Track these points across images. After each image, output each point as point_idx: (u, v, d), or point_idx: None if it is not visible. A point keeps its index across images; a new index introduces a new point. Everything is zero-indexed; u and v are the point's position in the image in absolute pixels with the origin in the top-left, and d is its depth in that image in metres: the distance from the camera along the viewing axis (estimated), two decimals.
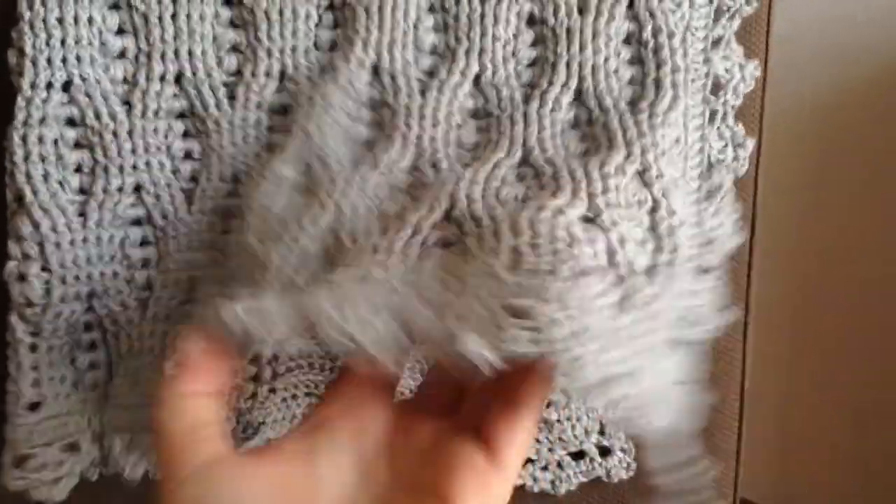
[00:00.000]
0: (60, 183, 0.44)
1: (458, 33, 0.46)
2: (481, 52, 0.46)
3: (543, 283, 0.35)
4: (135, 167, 0.45)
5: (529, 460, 0.52)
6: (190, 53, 0.45)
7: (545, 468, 0.51)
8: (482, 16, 0.46)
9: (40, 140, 0.44)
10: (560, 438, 0.51)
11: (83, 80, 0.44)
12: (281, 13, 0.45)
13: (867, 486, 1.01)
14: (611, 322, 0.35)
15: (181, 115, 0.46)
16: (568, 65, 0.45)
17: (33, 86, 0.44)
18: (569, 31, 0.45)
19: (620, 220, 0.39)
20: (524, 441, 0.37)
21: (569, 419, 0.51)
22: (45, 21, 0.43)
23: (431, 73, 0.46)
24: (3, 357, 0.45)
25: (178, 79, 0.45)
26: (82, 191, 0.45)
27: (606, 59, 0.45)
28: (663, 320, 0.39)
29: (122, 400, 0.47)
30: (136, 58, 0.45)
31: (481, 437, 0.36)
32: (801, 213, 0.93)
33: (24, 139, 0.44)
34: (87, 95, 0.44)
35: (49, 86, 0.44)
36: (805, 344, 0.99)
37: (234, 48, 0.46)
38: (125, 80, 0.45)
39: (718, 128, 0.48)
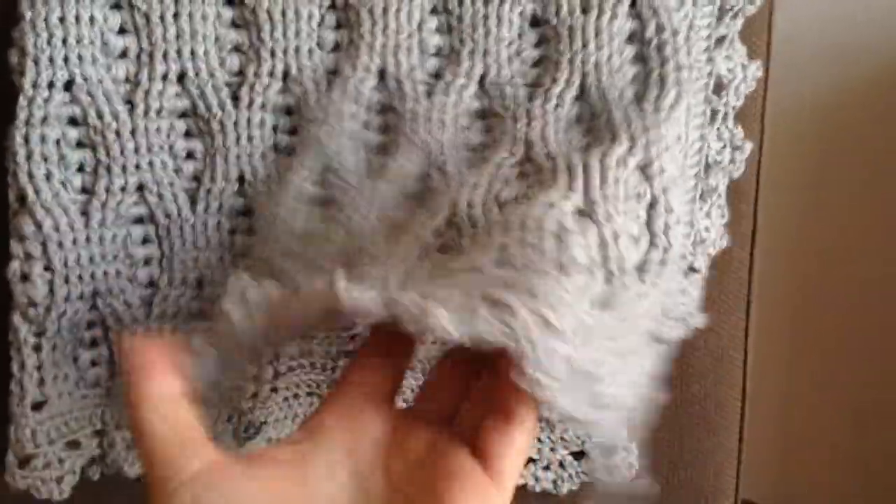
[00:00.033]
0: (63, 182, 0.44)
1: (462, 35, 0.46)
2: (485, 53, 0.46)
3: (524, 277, 0.35)
4: (137, 166, 0.45)
5: (531, 460, 0.52)
6: (192, 53, 0.45)
7: (547, 468, 0.51)
8: (485, 17, 0.46)
9: (42, 139, 0.44)
10: (562, 438, 0.51)
11: (85, 79, 0.44)
12: (283, 13, 0.45)
13: (868, 487, 1.01)
14: (591, 319, 0.35)
15: (183, 115, 0.46)
16: (571, 62, 0.45)
17: (35, 85, 0.43)
18: (571, 29, 0.45)
19: (616, 214, 0.39)
20: (520, 452, 0.36)
21: None
22: (46, 20, 0.43)
23: (437, 76, 0.46)
24: (7, 357, 0.45)
25: (181, 78, 0.45)
26: (85, 190, 0.45)
27: (609, 57, 0.45)
28: (647, 319, 0.39)
29: None
30: (138, 57, 0.45)
31: (477, 448, 0.36)
32: (801, 214, 0.93)
33: (26, 139, 0.44)
34: (90, 95, 0.44)
35: (51, 85, 0.44)
36: (805, 344, 0.99)
37: (237, 48, 0.46)
38: (127, 80, 0.45)
39: (718, 129, 0.48)
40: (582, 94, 0.46)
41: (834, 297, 0.96)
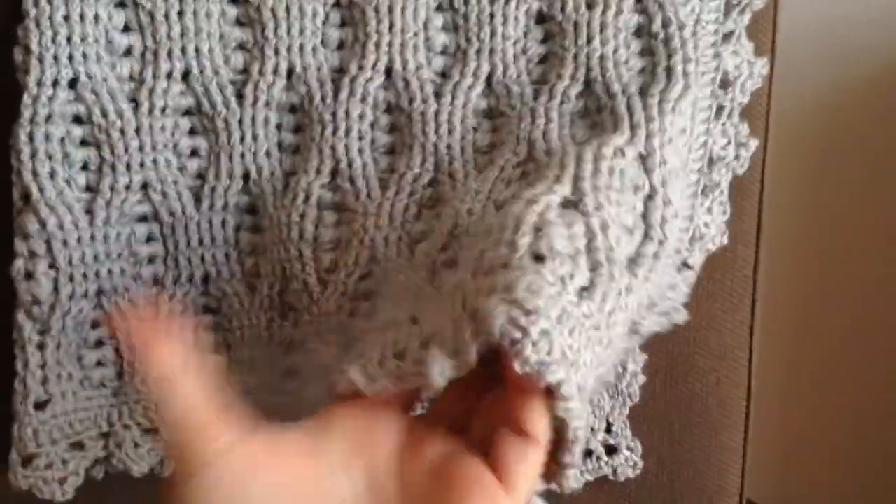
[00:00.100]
0: (67, 181, 0.45)
1: (468, 34, 0.46)
2: (492, 51, 0.46)
3: (500, 277, 0.35)
4: (142, 164, 0.45)
5: None
6: (197, 51, 0.45)
7: None
8: (491, 15, 0.46)
9: (47, 138, 0.44)
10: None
11: (89, 77, 0.44)
12: (287, 11, 0.45)
13: (870, 487, 1.01)
14: (576, 309, 0.35)
15: (188, 113, 0.46)
16: (576, 57, 0.46)
17: (39, 83, 0.44)
18: (576, 25, 0.46)
19: (607, 204, 0.38)
20: (534, 466, 0.36)
21: None
22: (50, 19, 0.43)
23: (444, 75, 0.47)
24: (11, 355, 0.45)
25: (185, 76, 0.45)
26: (89, 188, 0.45)
27: (616, 50, 0.45)
28: (631, 311, 0.39)
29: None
30: (143, 55, 0.45)
31: (491, 459, 0.36)
32: (806, 212, 0.93)
33: (30, 137, 0.44)
34: (94, 93, 0.44)
35: (55, 83, 0.44)
36: (809, 344, 0.99)
37: (241, 46, 0.46)
38: (132, 78, 0.45)
39: (724, 124, 0.48)
40: (587, 88, 0.46)
41: (838, 296, 0.96)
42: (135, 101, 0.45)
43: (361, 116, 0.46)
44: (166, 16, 0.45)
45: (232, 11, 0.46)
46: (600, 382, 0.37)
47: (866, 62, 0.88)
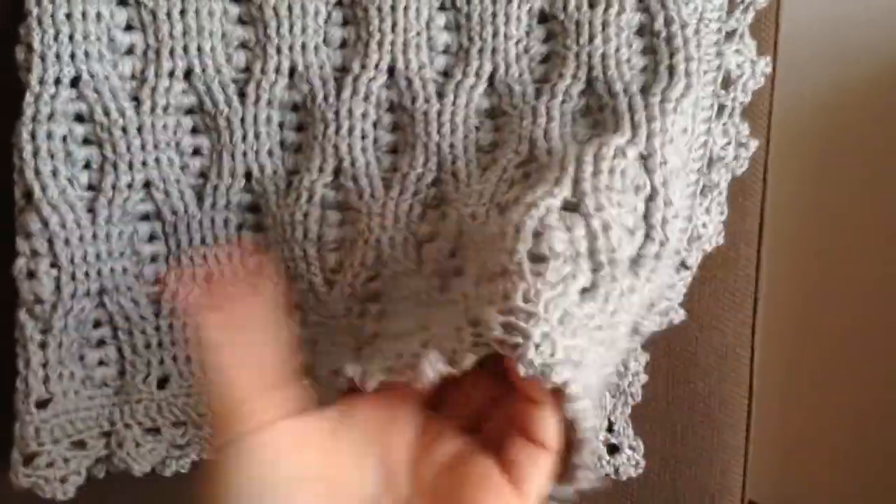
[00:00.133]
0: (69, 179, 0.45)
1: (470, 33, 0.46)
2: (494, 50, 0.46)
3: (496, 285, 0.35)
4: (144, 163, 0.45)
5: None
6: (199, 50, 0.45)
7: None
8: (493, 14, 0.46)
9: (49, 136, 0.44)
10: None
11: (91, 76, 0.44)
12: (290, 9, 0.45)
13: (870, 487, 1.01)
14: (579, 310, 0.35)
15: (190, 112, 0.46)
16: (577, 56, 0.46)
17: (41, 82, 0.44)
18: (578, 24, 0.46)
19: (608, 205, 0.38)
20: (546, 474, 0.36)
21: None
22: (52, 17, 0.44)
23: (446, 74, 0.47)
24: (13, 354, 0.45)
25: (188, 75, 0.46)
26: (91, 187, 0.45)
27: (618, 49, 0.45)
28: (634, 312, 0.40)
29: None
30: (145, 54, 0.45)
31: (504, 462, 0.36)
32: (808, 212, 0.93)
33: (32, 135, 0.44)
34: (96, 91, 0.44)
35: (57, 81, 0.44)
36: (810, 344, 0.99)
37: (243, 45, 0.46)
38: (133, 77, 0.45)
39: (724, 124, 0.48)
40: (589, 87, 0.46)
41: (840, 295, 0.97)
42: (137, 100, 0.45)
43: (364, 115, 0.46)
44: (168, 14, 0.45)
45: (234, 10, 0.46)
46: (605, 383, 0.37)
47: (868, 62, 0.88)
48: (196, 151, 0.47)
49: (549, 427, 0.36)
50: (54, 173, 0.44)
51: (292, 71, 0.46)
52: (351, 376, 0.36)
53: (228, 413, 0.34)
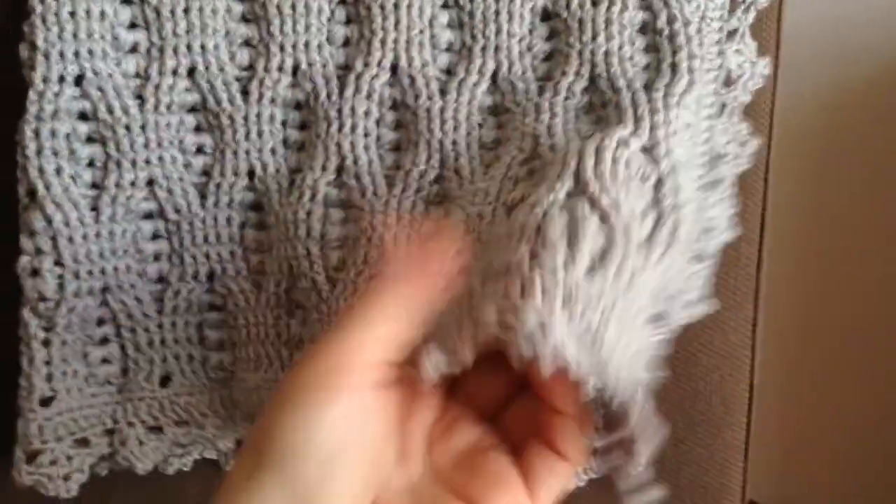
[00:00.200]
0: (73, 177, 0.45)
1: (473, 31, 0.46)
2: (497, 48, 0.46)
3: (498, 283, 0.36)
4: (147, 161, 0.46)
5: None
6: (202, 48, 0.46)
7: None
8: (496, 12, 0.46)
9: (53, 134, 0.44)
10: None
11: (95, 74, 0.45)
12: (293, 7, 0.46)
13: (871, 487, 1.01)
14: (582, 286, 0.36)
15: (193, 110, 0.47)
16: (580, 53, 0.46)
17: (45, 80, 0.44)
18: (581, 21, 0.46)
19: (612, 189, 0.39)
20: (562, 482, 0.37)
21: None
22: (56, 15, 0.44)
23: (449, 72, 0.47)
24: (17, 352, 0.46)
25: (191, 73, 0.46)
26: (95, 185, 0.46)
27: (620, 47, 0.46)
28: (651, 295, 0.40)
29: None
30: (149, 52, 0.46)
31: (521, 462, 0.37)
32: (809, 210, 0.94)
33: (36, 133, 0.44)
34: (100, 89, 0.45)
35: (61, 80, 0.44)
36: (811, 344, 0.99)
37: (247, 43, 0.46)
38: (137, 75, 0.46)
39: (725, 122, 0.48)
40: (592, 84, 0.46)
41: (841, 295, 0.97)
42: (140, 98, 0.46)
43: (367, 113, 0.46)
44: (172, 12, 0.45)
45: (237, 8, 0.46)
46: (639, 364, 0.38)
47: (869, 62, 0.88)
48: (199, 150, 0.47)
49: (572, 440, 0.36)
50: (58, 171, 0.45)
51: (295, 69, 0.46)
52: None
53: (342, 358, 0.34)
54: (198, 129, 0.47)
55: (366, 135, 0.47)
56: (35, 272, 0.45)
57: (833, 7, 0.87)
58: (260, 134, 0.47)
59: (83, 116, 0.45)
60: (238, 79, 0.46)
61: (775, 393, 0.98)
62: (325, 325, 0.47)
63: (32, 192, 0.45)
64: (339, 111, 0.46)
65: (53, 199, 0.44)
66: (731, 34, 0.48)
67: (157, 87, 0.45)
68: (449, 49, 0.47)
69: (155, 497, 0.50)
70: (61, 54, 0.44)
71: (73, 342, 0.46)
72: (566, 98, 0.46)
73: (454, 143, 0.46)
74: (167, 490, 0.50)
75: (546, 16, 0.47)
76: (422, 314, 0.35)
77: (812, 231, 0.95)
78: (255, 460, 0.33)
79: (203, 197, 0.47)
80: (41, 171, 0.44)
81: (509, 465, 0.37)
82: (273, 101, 0.46)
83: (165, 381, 0.49)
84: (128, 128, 0.45)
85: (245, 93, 0.46)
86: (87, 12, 0.44)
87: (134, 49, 0.46)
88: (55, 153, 0.45)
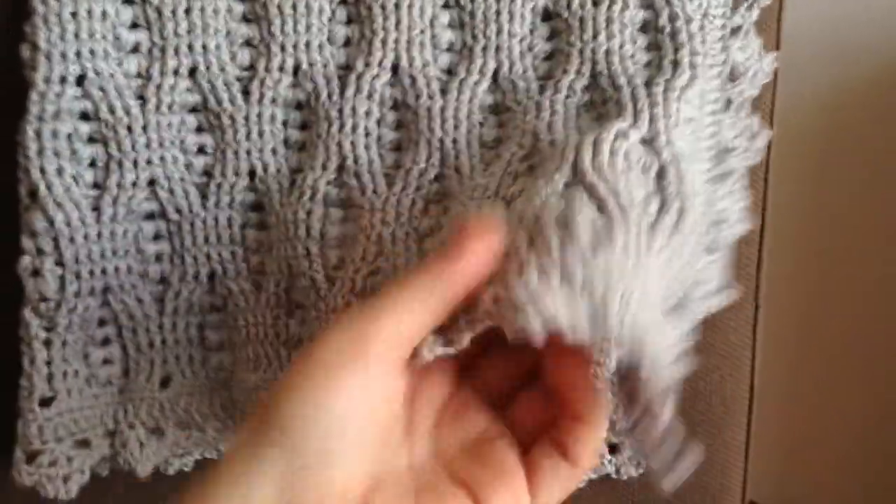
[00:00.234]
0: (74, 177, 0.45)
1: (474, 31, 0.47)
2: (498, 48, 0.47)
3: (496, 272, 0.36)
4: (149, 161, 0.46)
5: None
6: (204, 48, 0.46)
7: None
8: (497, 12, 0.46)
9: (54, 135, 0.45)
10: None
11: (97, 74, 0.45)
12: (294, 7, 0.46)
13: (872, 488, 1.02)
14: (585, 262, 0.36)
15: (194, 110, 0.47)
16: (581, 52, 0.46)
17: (47, 80, 0.44)
18: (582, 20, 0.46)
19: (611, 178, 0.39)
20: (567, 485, 0.37)
21: None
22: (58, 15, 0.44)
23: (450, 72, 0.47)
24: (17, 352, 0.46)
25: (192, 73, 0.46)
26: (96, 185, 0.46)
27: (622, 45, 0.46)
28: (658, 282, 0.40)
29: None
30: (150, 52, 0.46)
31: (529, 460, 0.37)
32: (810, 211, 0.94)
33: (37, 134, 0.44)
34: (101, 90, 0.45)
35: (63, 80, 0.45)
36: (811, 344, 1.00)
37: (248, 43, 0.47)
38: (139, 75, 0.46)
39: (733, 117, 0.48)
40: (593, 81, 0.47)
41: (841, 295, 0.97)
42: (142, 98, 0.46)
43: (368, 113, 0.47)
44: (173, 12, 0.45)
45: (238, 8, 0.46)
46: (663, 350, 0.37)
47: (869, 62, 0.89)
48: (200, 150, 0.47)
49: (587, 448, 0.36)
50: (59, 172, 0.45)
51: (296, 69, 0.47)
52: None
53: (370, 325, 0.34)
54: (199, 129, 0.47)
55: (366, 134, 0.47)
56: (36, 272, 0.45)
57: (833, 7, 0.88)
58: (261, 134, 0.47)
59: (85, 117, 0.46)
60: (239, 79, 0.47)
61: (776, 393, 0.98)
62: (324, 323, 0.47)
63: (34, 193, 0.45)
64: (340, 111, 0.47)
65: (55, 200, 0.45)
66: (735, 31, 0.48)
67: (159, 87, 0.46)
68: (450, 49, 0.47)
69: (155, 497, 0.50)
70: (63, 54, 0.44)
71: (74, 343, 0.46)
72: (567, 96, 0.46)
73: (454, 141, 0.47)
74: (167, 490, 0.50)
75: (547, 16, 0.47)
76: (453, 303, 0.35)
77: (812, 231, 0.95)
78: (259, 429, 0.33)
79: (204, 197, 0.47)
80: (43, 171, 0.45)
81: (516, 460, 0.37)
82: (274, 101, 0.47)
83: (166, 382, 0.49)
84: (129, 128, 0.46)
85: (246, 93, 0.47)
86: (89, 12, 0.45)
87: (135, 49, 0.46)
88: (57, 153, 0.45)
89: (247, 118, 0.47)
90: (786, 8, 0.53)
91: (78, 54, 0.45)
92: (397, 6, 0.46)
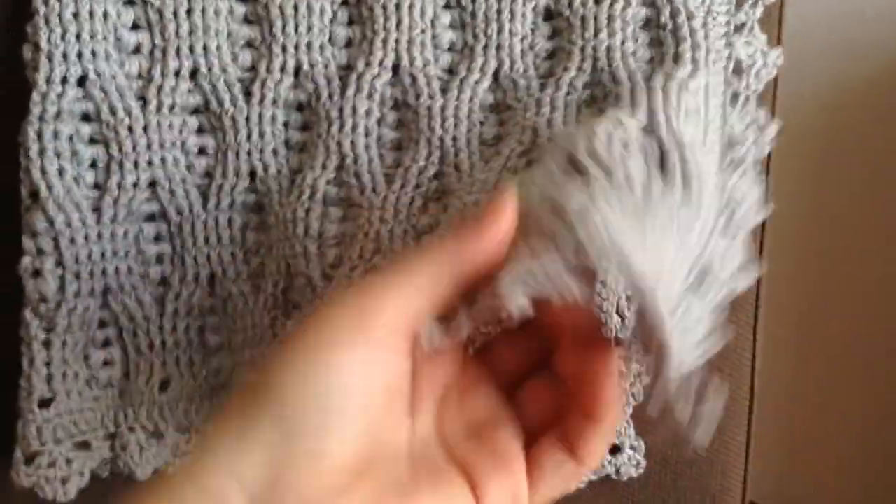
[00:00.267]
0: (75, 178, 0.46)
1: (475, 31, 0.47)
2: (498, 47, 0.47)
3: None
4: (149, 163, 0.46)
5: None
6: (205, 49, 0.46)
7: None
8: (498, 12, 0.47)
9: (55, 135, 0.45)
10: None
11: (98, 75, 0.45)
12: (295, 9, 0.46)
13: (873, 488, 1.02)
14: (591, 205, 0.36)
15: (196, 111, 0.47)
16: (582, 49, 0.47)
17: (48, 81, 0.45)
18: (583, 19, 0.47)
19: (607, 162, 0.39)
20: (567, 481, 0.37)
21: None
22: (60, 16, 0.45)
23: (451, 71, 0.48)
24: (17, 353, 0.47)
25: (193, 74, 0.47)
26: (97, 186, 0.46)
27: (623, 42, 0.47)
28: (671, 237, 0.40)
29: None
30: (151, 53, 0.46)
31: (530, 456, 0.37)
32: (810, 213, 0.94)
33: (39, 134, 0.45)
34: (103, 91, 0.46)
35: (64, 81, 0.45)
36: (811, 345, 1.00)
37: (249, 44, 0.47)
38: (140, 76, 0.46)
39: (740, 110, 0.48)
40: (593, 78, 0.47)
41: (841, 295, 0.97)
42: (143, 99, 0.46)
43: (368, 113, 0.47)
44: (175, 13, 0.46)
45: (240, 9, 0.47)
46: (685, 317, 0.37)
47: (870, 62, 0.89)
48: (201, 151, 0.48)
49: (594, 448, 0.36)
50: (60, 172, 0.45)
51: (298, 70, 0.47)
52: None
53: (377, 298, 0.34)
54: (200, 130, 0.48)
55: (366, 134, 0.47)
56: (36, 273, 0.46)
57: (834, 7, 0.88)
58: (262, 135, 0.47)
59: (86, 118, 0.46)
60: (240, 80, 0.47)
61: (776, 394, 0.98)
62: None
63: (35, 193, 0.45)
64: (340, 110, 0.47)
65: (56, 200, 0.45)
66: (739, 28, 0.48)
67: (160, 88, 0.46)
68: (451, 49, 0.48)
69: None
70: (64, 55, 0.45)
71: (74, 344, 0.47)
72: (567, 93, 0.47)
73: (454, 139, 0.47)
74: None
75: (548, 15, 0.48)
76: (462, 284, 0.35)
77: (812, 231, 0.96)
78: (251, 399, 0.33)
79: (205, 198, 0.48)
80: (44, 172, 0.45)
81: (519, 449, 0.37)
82: (275, 102, 0.47)
83: (165, 385, 0.49)
84: (130, 129, 0.46)
85: (247, 94, 0.47)
86: (91, 14, 0.45)
87: (137, 50, 0.46)
88: (58, 154, 0.45)
89: (248, 119, 0.47)
90: (787, 6, 0.53)
91: (79, 55, 0.45)
92: (398, 7, 0.47)
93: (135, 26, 0.46)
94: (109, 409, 0.48)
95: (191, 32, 0.46)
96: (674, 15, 0.47)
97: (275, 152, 0.48)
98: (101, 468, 0.49)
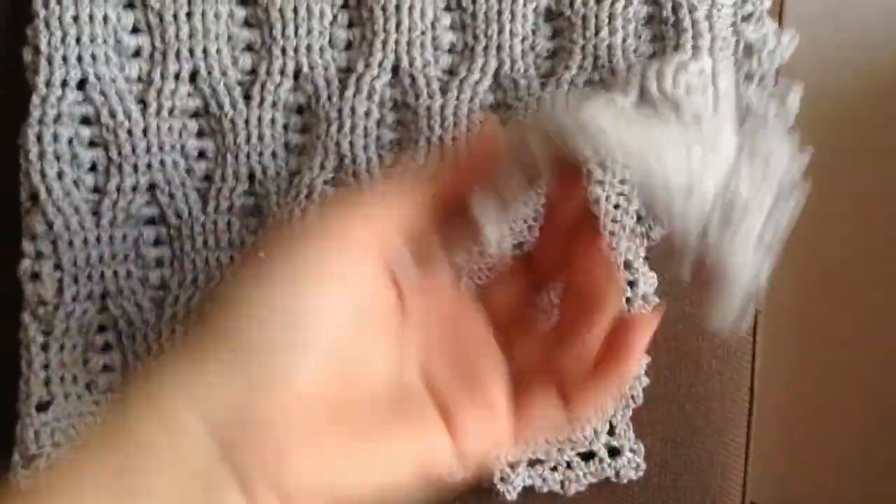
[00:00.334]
0: (75, 181, 0.46)
1: (475, 31, 0.48)
2: (499, 48, 0.48)
3: None
4: (149, 166, 0.47)
5: (538, 461, 0.52)
6: (205, 52, 0.47)
7: (554, 469, 0.52)
8: (499, 13, 0.48)
9: (55, 138, 0.46)
10: (569, 439, 0.52)
11: (98, 78, 0.46)
12: (295, 11, 0.47)
13: (873, 490, 1.02)
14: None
15: (196, 114, 0.48)
16: (584, 48, 0.47)
17: (48, 84, 0.45)
18: (585, 18, 0.47)
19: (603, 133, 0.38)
20: (555, 429, 0.37)
21: None
22: (60, 19, 0.45)
23: (451, 72, 0.48)
24: (16, 355, 0.47)
25: (193, 77, 0.47)
26: (96, 189, 0.47)
27: (625, 39, 0.47)
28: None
29: None
30: (151, 56, 0.47)
31: (517, 404, 0.35)
32: (810, 213, 0.95)
33: (39, 137, 0.46)
34: (102, 94, 0.46)
35: (64, 84, 0.46)
36: (811, 347, 1.00)
37: (249, 47, 0.48)
38: (140, 79, 0.47)
39: (756, 88, 0.48)
40: (594, 75, 0.48)
41: (841, 297, 0.97)
42: (143, 103, 0.47)
43: (367, 113, 0.48)
44: (175, 17, 0.46)
45: (240, 12, 0.47)
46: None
47: (869, 62, 0.89)
48: (201, 154, 0.48)
49: (590, 397, 0.35)
50: (60, 175, 0.46)
51: (297, 73, 0.48)
52: None
53: (358, 217, 0.33)
54: (200, 133, 0.48)
55: (365, 135, 0.48)
56: (35, 276, 0.46)
57: (833, 7, 0.88)
58: (261, 138, 0.48)
59: (86, 120, 0.47)
60: (240, 83, 0.48)
61: (776, 395, 0.98)
62: None
63: (34, 196, 0.46)
64: (340, 111, 0.48)
65: (55, 203, 0.46)
66: (747, 18, 0.48)
67: (160, 91, 0.47)
68: (451, 50, 0.49)
69: None
70: (64, 58, 0.46)
71: (73, 348, 0.47)
72: (568, 91, 0.48)
73: (455, 139, 0.48)
74: None
75: (550, 15, 0.49)
76: (437, 208, 0.34)
77: (811, 232, 0.96)
78: (211, 330, 0.31)
79: (204, 202, 0.48)
80: (43, 174, 0.46)
81: (503, 392, 0.35)
82: (274, 104, 0.48)
83: None
84: (130, 132, 0.47)
85: (247, 97, 0.48)
86: (91, 16, 0.46)
87: (137, 53, 0.47)
88: (57, 157, 0.46)
89: (247, 122, 0.48)
90: (786, 8, 0.54)
91: (79, 58, 0.46)
92: (398, 9, 0.47)
93: (135, 30, 0.47)
94: None
95: (191, 36, 0.47)
96: (676, 9, 0.47)
97: (274, 155, 0.48)
98: None
